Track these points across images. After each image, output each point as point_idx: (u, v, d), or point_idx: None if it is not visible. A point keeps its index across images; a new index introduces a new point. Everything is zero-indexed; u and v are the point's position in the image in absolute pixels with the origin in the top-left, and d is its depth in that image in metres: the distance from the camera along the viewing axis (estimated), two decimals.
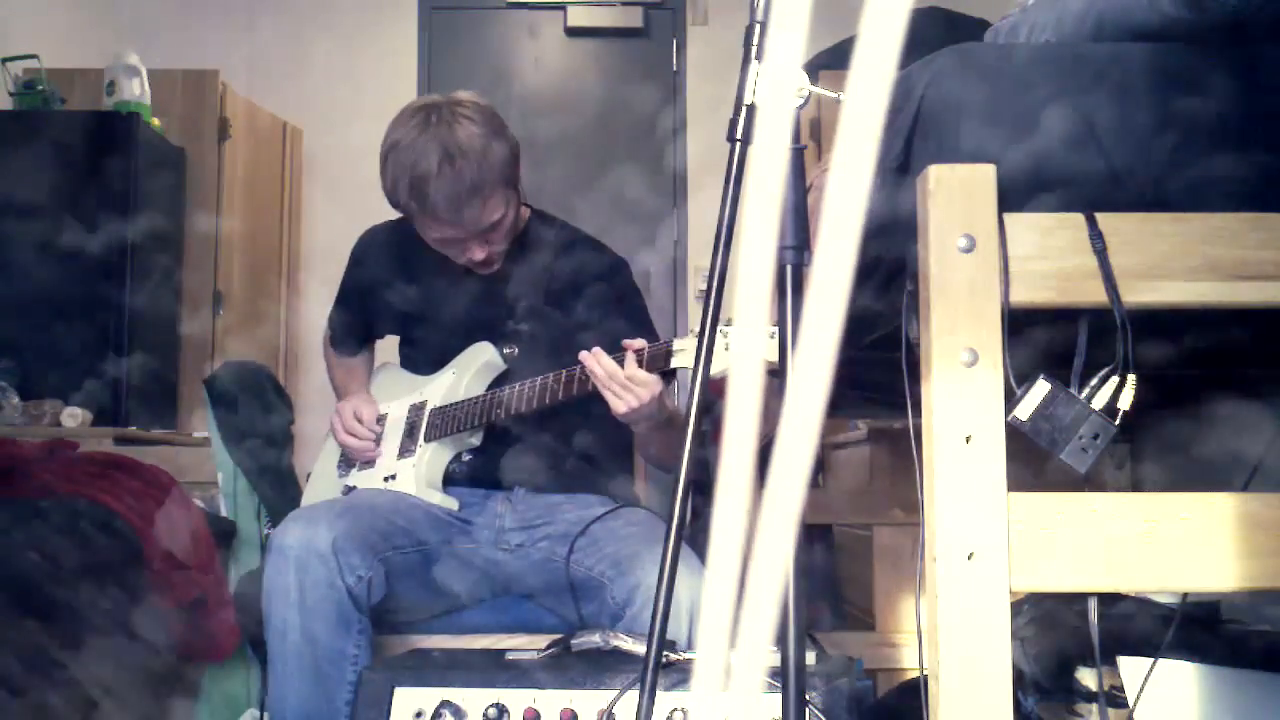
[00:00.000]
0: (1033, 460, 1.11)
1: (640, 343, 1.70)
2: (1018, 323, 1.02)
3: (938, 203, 1.03)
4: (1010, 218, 1.03)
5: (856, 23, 0.39)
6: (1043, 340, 1.07)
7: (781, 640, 1.03)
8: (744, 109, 1.06)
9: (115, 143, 3.56)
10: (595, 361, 1.70)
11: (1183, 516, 1.02)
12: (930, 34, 2.27)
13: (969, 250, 1.02)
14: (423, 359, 2.08)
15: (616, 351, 1.72)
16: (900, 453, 2.39)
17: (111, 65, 3.74)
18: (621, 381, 1.67)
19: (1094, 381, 1.04)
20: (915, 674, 2.11)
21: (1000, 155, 1.04)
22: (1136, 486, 2.19)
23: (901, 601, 2.40)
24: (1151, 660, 1.36)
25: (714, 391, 1.07)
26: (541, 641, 1.65)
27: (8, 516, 1.85)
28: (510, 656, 1.60)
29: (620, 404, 1.68)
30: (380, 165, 1.84)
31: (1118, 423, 1.03)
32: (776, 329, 1.10)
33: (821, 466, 3.16)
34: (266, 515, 2.34)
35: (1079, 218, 1.04)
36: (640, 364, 1.67)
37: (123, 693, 1.84)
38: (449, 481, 1.99)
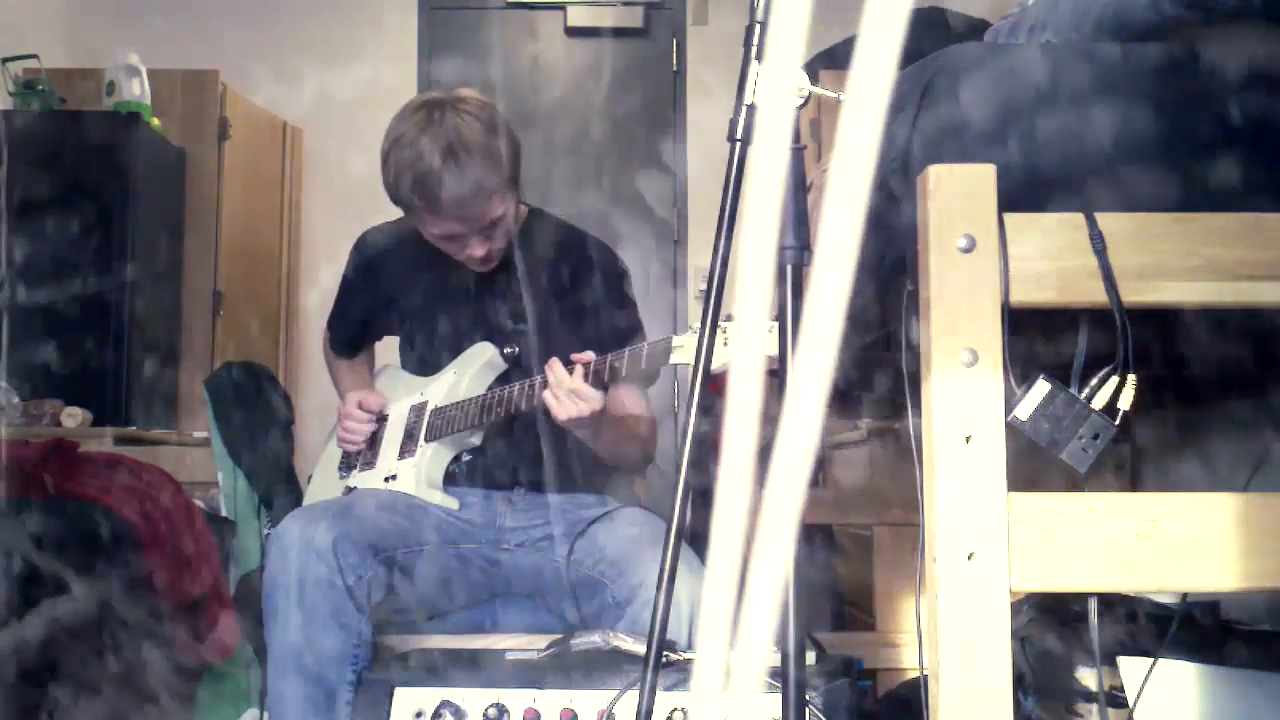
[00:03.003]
0: (1033, 461, 1.11)
1: (589, 356, 1.73)
2: (1018, 323, 1.02)
3: (938, 203, 1.03)
4: (1010, 218, 1.03)
5: (856, 23, 0.39)
6: (1043, 340, 1.07)
7: (781, 640, 1.03)
8: (744, 109, 1.07)
9: (115, 143, 3.56)
10: (549, 369, 1.74)
11: (1183, 516, 1.02)
12: (930, 34, 2.27)
13: (969, 250, 1.02)
14: (423, 360, 2.08)
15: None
16: (900, 453, 2.39)
17: (111, 65, 3.74)
18: (566, 390, 1.70)
19: (1094, 381, 1.04)
20: (915, 674, 2.11)
21: (1000, 155, 1.04)
22: (1136, 486, 2.19)
23: (901, 601, 2.40)
24: (1151, 660, 1.36)
25: (713, 389, 1.07)
26: (541, 641, 1.65)
27: (7, 516, 1.85)
28: (510, 656, 1.60)
29: (560, 410, 1.71)
30: (382, 161, 1.84)
31: (1118, 423, 1.03)
32: (775, 323, 1.10)
33: (821, 466, 3.16)
34: (266, 515, 2.34)
35: (1079, 218, 1.04)
36: (586, 378, 1.70)
37: (122, 692, 1.84)
38: (449, 481, 1.99)
